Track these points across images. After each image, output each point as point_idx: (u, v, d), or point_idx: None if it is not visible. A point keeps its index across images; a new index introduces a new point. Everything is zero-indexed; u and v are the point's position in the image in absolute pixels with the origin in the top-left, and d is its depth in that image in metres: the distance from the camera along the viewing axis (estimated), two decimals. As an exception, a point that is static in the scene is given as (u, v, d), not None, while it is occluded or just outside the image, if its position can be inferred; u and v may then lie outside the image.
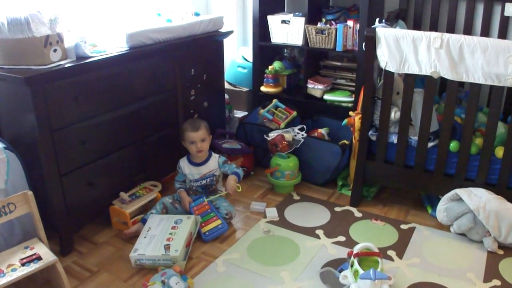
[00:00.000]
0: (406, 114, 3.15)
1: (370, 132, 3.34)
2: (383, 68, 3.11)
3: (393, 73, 3.10)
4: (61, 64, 2.79)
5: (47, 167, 2.80)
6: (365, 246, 2.69)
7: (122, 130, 3.27)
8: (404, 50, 2.99)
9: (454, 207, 3.06)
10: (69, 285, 2.62)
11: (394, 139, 3.27)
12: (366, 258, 2.67)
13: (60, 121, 2.82)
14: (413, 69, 3.01)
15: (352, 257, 2.64)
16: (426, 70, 2.97)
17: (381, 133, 3.27)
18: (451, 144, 3.10)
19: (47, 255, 2.57)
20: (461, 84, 3.11)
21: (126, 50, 3.16)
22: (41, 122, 2.70)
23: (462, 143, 3.06)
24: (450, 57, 2.85)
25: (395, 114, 3.21)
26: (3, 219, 2.54)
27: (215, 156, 3.49)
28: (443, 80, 3.01)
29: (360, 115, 3.39)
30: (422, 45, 2.91)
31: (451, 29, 3.81)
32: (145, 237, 3.01)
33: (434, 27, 3.87)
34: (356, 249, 2.68)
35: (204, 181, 3.45)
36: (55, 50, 2.78)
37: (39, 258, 2.54)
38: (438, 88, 3.77)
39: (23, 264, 2.49)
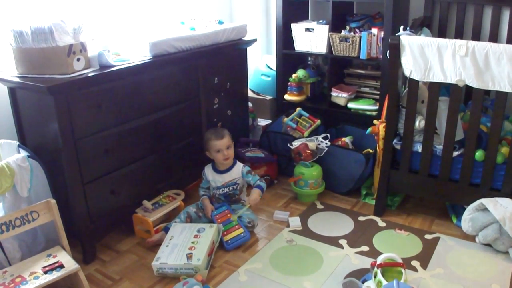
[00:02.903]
0: (431, 123, 3.12)
1: (394, 141, 3.31)
2: (408, 76, 3.09)
3: (417, 81, 3.08)
4: (84, 73, 2.82)
5: (70, 175, 2.83)
6: (388, 257, 2.67)
7: (145, 138, 3.28)
8: (429, 58, 2.96)
9: (479, 217, 3.02)
10: (91, 293, 2.65)
11: (418, 148, 3.24)
12: (389, 268, 2.65)
13: (83, 130, 2.85)
14: (438, 77, 2.98)
15: (376, 268, 2.62)
16: (451, 78, 2.94)
17: (406, 142, 3.25)
18: (477, 153, 3.06)
19: (70, 263, 2.59)
20: (487, 92, 3.08)
21: (150, 59, 3.19)
22: (64, 130, 2.72)
23: (487, 152, 3.02)
24: (476, 65, 2.82)
25: (419, 123, 3.18)
26: (26, 227, 2.57)
27: (239, 165, 3.49)
28: (468, 88, 2.97)
29: (384, 124, 3.37)
30: (447, 53, 2.89)
31: (476, 37, 3.77)
32: (168, 245, 3.02)
33: (459, 35, 3.84)
34: (379, 260, 2.66)
35: (226, 189, 3.45)
36: (78, 59, 2.81)
37: (61, 266, 2.56)
38: (464, 97, 3.73)
39: (45, 272, 2.52)
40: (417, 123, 3.18)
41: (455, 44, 2.84)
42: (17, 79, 2.77)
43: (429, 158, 3.21)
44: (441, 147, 3.15)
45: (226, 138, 3.39)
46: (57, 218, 2.65)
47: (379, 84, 4.07)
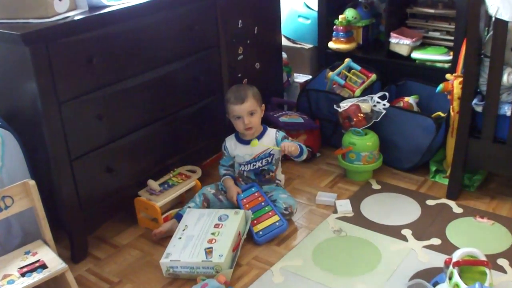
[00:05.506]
0: (523, 77, 3.04)
1: (474, 101, 3.24)
2: (493, 15, 2.98)
3: (506, 22, 2.97)
4: (69, 16, 2.79)
5: (53, 149, 2.81)
6: (468, 253, 2.62)
7: (150, 100, 3.28)
8: (522, -10, 2.86)
9: None
10: (82, 300, 2.66)
11: (506, 110, 3.16)
12: (469, 268, 2.60)
13: (70, 90, 2.82)
14: (535, 17, 2.89)
15: (451, 267, 2.57)
16: (552, 18, 2.84)
17: (490, 102, 3.17)
18: None
19: (54, 263, 2.59)
20: None
21: (154, -3, 3.17)
22: (45, 91, 2.69)
23: None
24: None
25: (508, 77, 3.09)
26: (-3, 216, 2.57)
27: (270, 131, 3.45)
28: None
29: (460, 79, 3.30)
30: (548, -17, 2.79)
31: None
32: (180, 237, 3.03)
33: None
34: (456, 256, 2.60)
35: (258, 163, 3.41)
36: (60, -2, 2.77)
37: (43, 266, 2.56)
38: None
39: (22, 275, 2.51)
40: (505, 78, 3.09)
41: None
42: (-18, 27, 2.78)
43: (522, 124, 3.13)
44: (537, 109, 3.07)
45: (248, 102, 3.31)
46: (38, 205, 2.63)
47: (454, 27, 3.98)
